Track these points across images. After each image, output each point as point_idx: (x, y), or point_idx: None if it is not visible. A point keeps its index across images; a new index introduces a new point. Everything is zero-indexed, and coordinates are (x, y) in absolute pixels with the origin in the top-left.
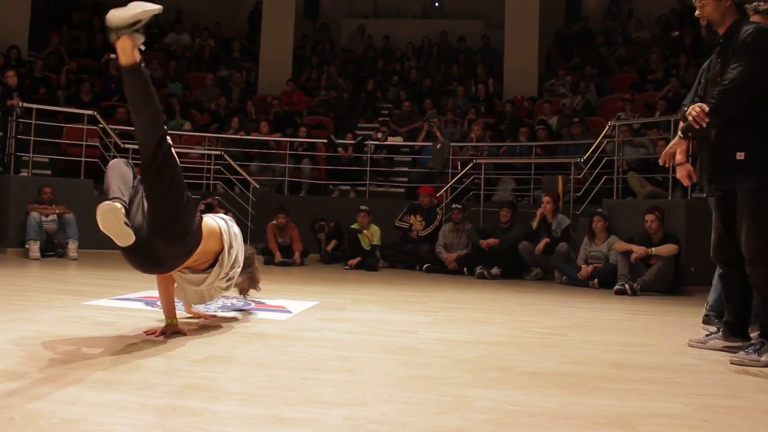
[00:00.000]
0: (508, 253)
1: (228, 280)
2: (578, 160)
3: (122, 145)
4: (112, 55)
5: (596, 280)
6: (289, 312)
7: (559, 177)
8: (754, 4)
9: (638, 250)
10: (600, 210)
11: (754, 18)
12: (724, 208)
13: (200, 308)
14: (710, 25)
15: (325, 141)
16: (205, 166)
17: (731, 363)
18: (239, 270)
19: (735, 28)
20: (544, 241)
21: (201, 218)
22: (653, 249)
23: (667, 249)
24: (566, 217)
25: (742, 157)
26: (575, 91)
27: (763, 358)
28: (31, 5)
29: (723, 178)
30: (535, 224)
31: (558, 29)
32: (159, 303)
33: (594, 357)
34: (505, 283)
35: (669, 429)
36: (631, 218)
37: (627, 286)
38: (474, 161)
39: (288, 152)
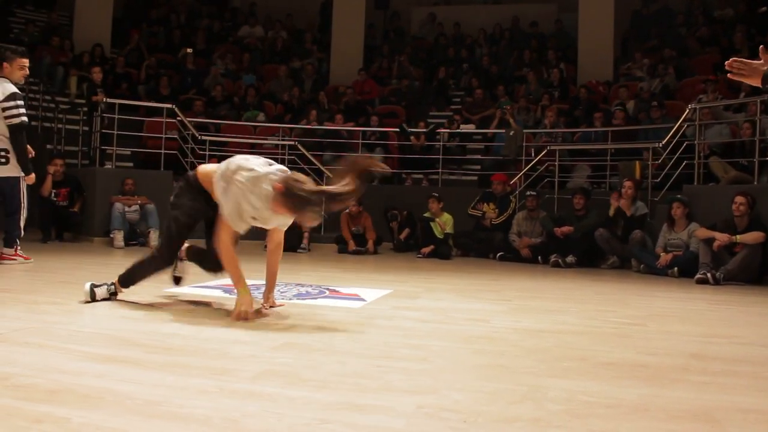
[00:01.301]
0: (584, 241)
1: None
2: (656, 145)
3: (200, 137)
4: (189, 50)
5: (676, 268)
6: (363, 300)
7: (637, 162)
8: None
9: (722, 237)
10: (680, 196)
11: None
12: None
13: (276, 298)
14: None
15: (397, 130)
16: (279, 157)
17: None
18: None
19: None
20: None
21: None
22: (738, 236)
23: (753, 237)
24: (644, 205)
25: None
26: (653, 74)
27: None
28: (113, 5)
29: None
30: (611, 212)
31: (635, 10)
32: (236, 290)
33: (674, 348)
34: (581, 272)
35: (756, 426)
36: (713, 205)
37: (709, 275)
38: (548, 148)
39: (360, 141)
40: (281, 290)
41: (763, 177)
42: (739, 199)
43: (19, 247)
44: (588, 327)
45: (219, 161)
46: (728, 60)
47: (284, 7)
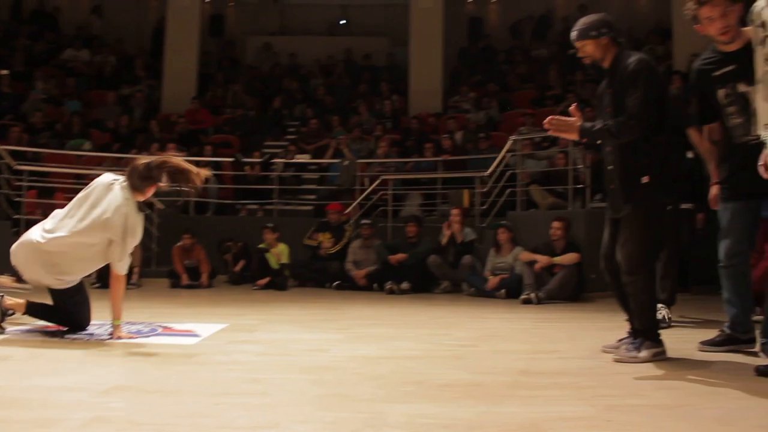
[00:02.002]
0: (417, 268)
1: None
2: (483, 174)
3: (14, 166)
4: (4, 72)
5: (503, 290)
6: (197, 336)
7: (465, 191)
8: None
9: (542, 259)
10: (504, 222)
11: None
12: (616, 224)
13: (104, 338)
14: (594, 62)
15: (232, 160)
16: None
17: (614, 361)
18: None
19: (617, 60)
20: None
21: None
22: (556, 258)
23: (569, 258)
24: (472, 230)
25: (647, 180)
26: (478, 106)
27: (641, 355)
28: None
29: (627, 199)
30: (444, 240)
31: (462, 47)
32: (59, 332)
33: (504, 366)
34: (415, 298)
35: (576, 431)
36: (534, 229)
37: (533, 295)
38: (381, 178)
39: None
40: (109, 329)
41: (576, 203)
42: (555, 224)
43: None
44: (424, 351)
45: (39, 194)
46: (546, 119)
47: (114, 31)
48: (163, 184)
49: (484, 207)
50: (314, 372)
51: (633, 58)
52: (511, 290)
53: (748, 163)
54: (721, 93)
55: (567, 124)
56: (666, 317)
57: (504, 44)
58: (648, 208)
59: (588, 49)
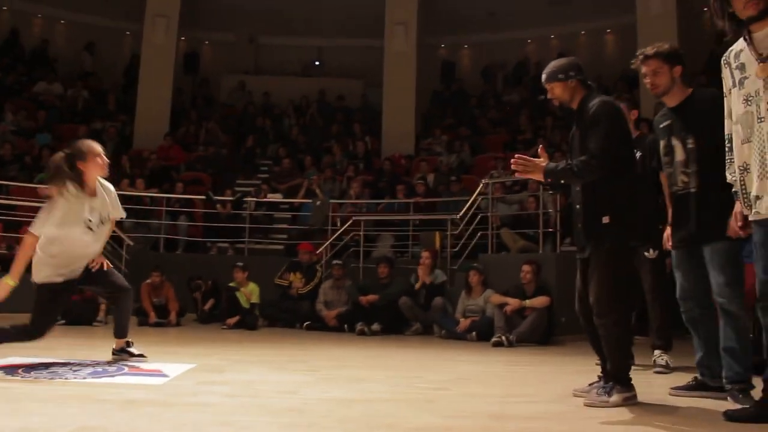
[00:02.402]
0: (388, 309)
1: None
2: (454, 216)
3: None
4: None
5: (474, 333)
6: (165, 376)
7: (437, 233)
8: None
9: (513, 302)
10: (475, 265)
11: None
12: (585, 265)
13: (68, 378)
14: (562, 104)
15: (203, 197)
16: None
17: (585, 405)
18: None
19: (584, 103)
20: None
21: None
22: (527, 301)
23: (540, 301)
24: (443, 273)
25: (608, 221)
26: (451, 149)
27: (612, 399)
28: None
29: (588, 238)
30: (418, 286)
31: (434, 90)
32: (21, 371)
33: (475, 409)
34: (386, 339)
35: None
36: (505, 272)
37: (504, 338)
38: (353, 218)
39: (164, 209)
40: (74, 369)
41: (547, 246)
42: (525, 267)
43: None
44: (395, 393)
45: (4, 226)
46: (513, 158)
47: (87, 65)
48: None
49: (456, 249)
50: (284, 415)
51: (596, 100)
52: (482, 333)
53: (679, 212)
54: (662, 144)
55: (533, 164)
56: (668, 363)
57: (476, 89)
58: (611, 248)
59: (557, 92)
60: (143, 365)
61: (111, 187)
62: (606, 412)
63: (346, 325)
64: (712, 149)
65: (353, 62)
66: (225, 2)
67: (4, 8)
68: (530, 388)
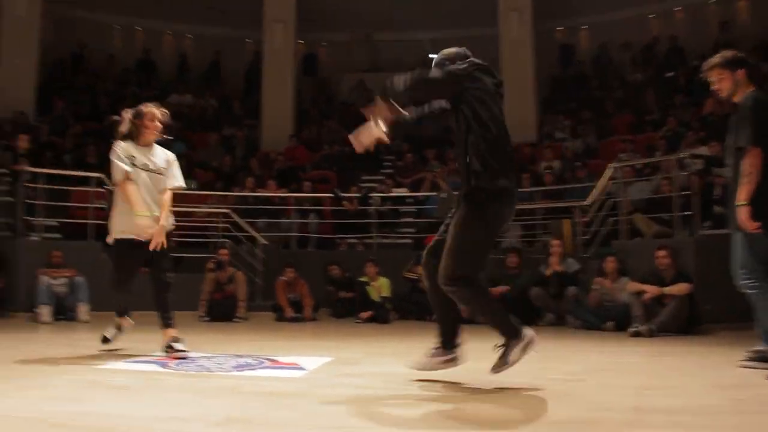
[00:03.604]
0: (519, 300)
1: None
2: (583, 203)
3: None
4: (115, 117)
5: (610, 323)
6: (303, 369)
7: (565, 221)
8: None
9: (651, 290)
10: (612, 250)
11: None
12: None
13: (214, 370)
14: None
15: (331, 195)
16: (212, 224)
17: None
18: None
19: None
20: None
21: None
22: (666, 288)
23: (680, 288)
24: (575, 261)
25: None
26: (575, 134)
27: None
28: (37, 71)
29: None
30: (548, 273)
31: (553, 75)
32: (172, 364)
33: (615, 402)
34: None
35: None
36: (641, 259)
37: (642, 327)
38: None
39: (293, 207)
40: (219, 362)
41: (683, 230)
42: (660, 252)
43: None
44: (531, 385)
45: None
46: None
47: (213, 74)
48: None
49: (586, 237)
50: (419, 406)
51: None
52: (618, 322)
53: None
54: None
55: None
56: None
57: (597, 70)
58: None
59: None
60: (282, 359)
61: (172, 156)
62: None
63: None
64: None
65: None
66: (339, 3)
67: (138, 28)
68: (672, 379)
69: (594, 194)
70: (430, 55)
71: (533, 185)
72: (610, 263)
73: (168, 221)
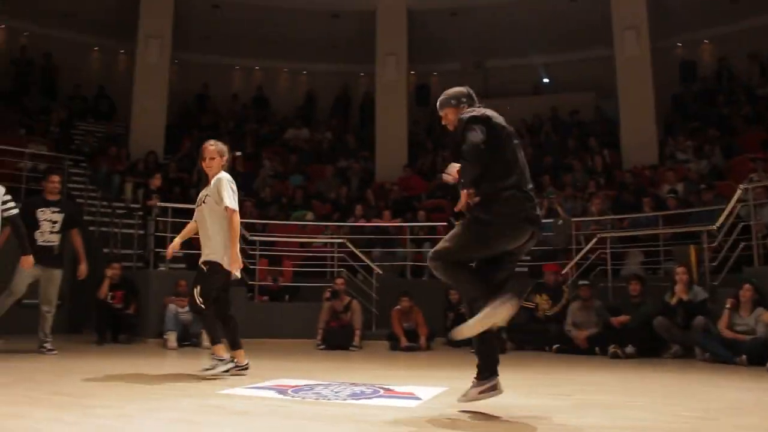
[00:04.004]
0: (643, 330)
1: None
2: (710, 227)
3: (249, 237)
4: (238, 153)
5: (744, 356)
6: (418, 399)
7: (691, 247)
8: None
9: None
10: (753, 279)
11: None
12: None
13: (329, 398)
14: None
15: (445, 224)
16: (329, 254)
17: None
18: None
19: None
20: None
21: None
22: None
23: None
24: (702, 290)
25: None
26: (700, 155)
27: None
28: (167, 114)
29: None
30: (673, 301)
31: (674, 93)
32: (290, 391)
33: None
34: (642, 363)
35: None
36: None
37: None
38: (598, 236)
39: (408, 237)
40: (335, 390)
41: None
42: None
43: None
44: (657, 422)
45: (269, 262)
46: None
47: (329, 108)
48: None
49: (715, 263)
50: None
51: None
52: (752, 356)
53: None
54: None
55: None
56: None
57: (722, 85)
58: None
59: (450, 118)
60: (397, 388)
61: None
62: None
63: (597, 348)
64: None
65: (583, 74)
66: (449, 33)
67: (257, 68)
68: None
69: (722, 218)
70: (544, 79)
71: (655, 210)
72: (746, 292)
73: None
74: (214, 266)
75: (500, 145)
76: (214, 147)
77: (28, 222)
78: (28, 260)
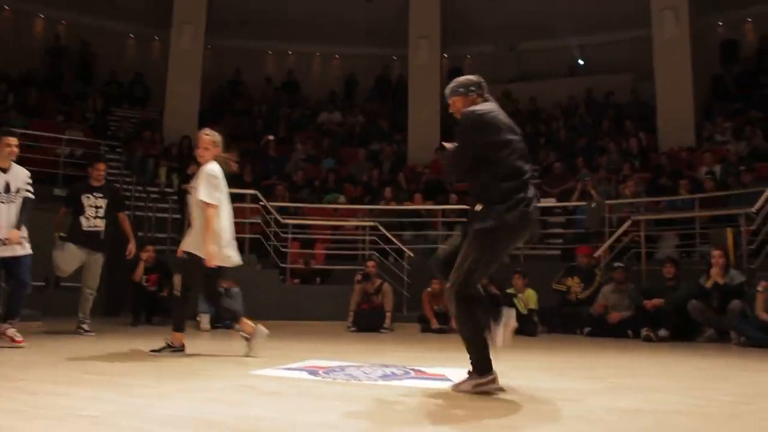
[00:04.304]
0: (677, 313)
1: None
2: (749, 210)
3: (282, 221)
4: (271, 137)
5: None
6: (449, 380)
7: (728, 230)
8: None
9: None
10: None
11: None
12: None
13: (361, 379)
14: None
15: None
16: (360, 237)
17: None
18: None
19: None
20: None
21: None
22: None
23: None
24: (739, 273)
25: None
26: (739, 137)
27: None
28: (200, 99)
29: None
30: (709, 284)
31: (714, 74)
32: (321, 372)
33: None
34: (675, 346)
35: None
36: None
37: None
38: (632, 218)
39: (440, 220)
40: (366, 371)
41: None
42: None
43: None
44: (690, 406)
45: (301, 245)
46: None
47: (361, 92)
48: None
49: (753, 247)
50: (570, 423)
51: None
52: None
53: None
54: None
55: None
56: None
57: (764, 65)
58: None
59: (458, 105)
60: (428, 369)
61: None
62: None
63: (630, 331)
64: None
65: (619, 56)
66: (483, 16)
67: (290, 52)
68: None
69: (762, 200)
70: (579, 61)
71: (692, 192)
72: None
73: None
74: (194, 258)
75: (499, 150)
76: (209, 137)
77: (74, 207)
78: (12, 234)
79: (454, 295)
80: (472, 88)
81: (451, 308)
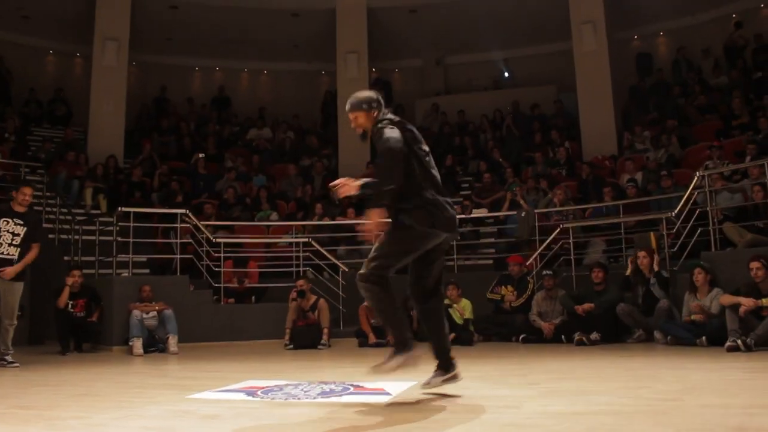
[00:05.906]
0: (606, 317)
1: None
2: (669, 214)
3: (214, 239)
4: (201, 155)
5: (704, 338)
6: (388, 394)
7: (652, 234)
8: None
9: (747, 302)
10: (701, 262)
11: None
12: None
13: (299, 397)
14: (365, 132)
15: None
16: (294, 254)
17: None
18: None
19: None
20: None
21: None
22: (764, 300)
23: None
24: (663, 272)
25: None
26: (657, 145)
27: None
28: (125, 117)
29: None
30: (628, 271)
31: (631, 85)
32: (260, 393)
33: (714, 423)
34: (606, 349)
35: None
36: (733, 270)
37: (739, 341)
38: (561, 226)
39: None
40: (305, 389)
41: None
42: (753, 264)
43: None
44: (623, 406)
45: (235, 263)
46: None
47: (291, 108)
48: None
49: (674, 249)
50: (506, 430)
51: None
52: (712, 337)
53: None
54: None
55: (347, 182)
56: None
57: (677, 77)
58: None
59: (360, 120)
60: (367, 384)
61: None
62: None
63: (563, 336)
64: None
65: (543, 69)
66: (410, 31)
67: (217, 68)
68: None
69: (680, 204)
70: (505, 74)
71: (615, 199)
72: (698, 275)
73: None
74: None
75: (416, 154)
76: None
77: None
78: None
79: (366, 279)
80: (374, 105)
81: (363, 294)
